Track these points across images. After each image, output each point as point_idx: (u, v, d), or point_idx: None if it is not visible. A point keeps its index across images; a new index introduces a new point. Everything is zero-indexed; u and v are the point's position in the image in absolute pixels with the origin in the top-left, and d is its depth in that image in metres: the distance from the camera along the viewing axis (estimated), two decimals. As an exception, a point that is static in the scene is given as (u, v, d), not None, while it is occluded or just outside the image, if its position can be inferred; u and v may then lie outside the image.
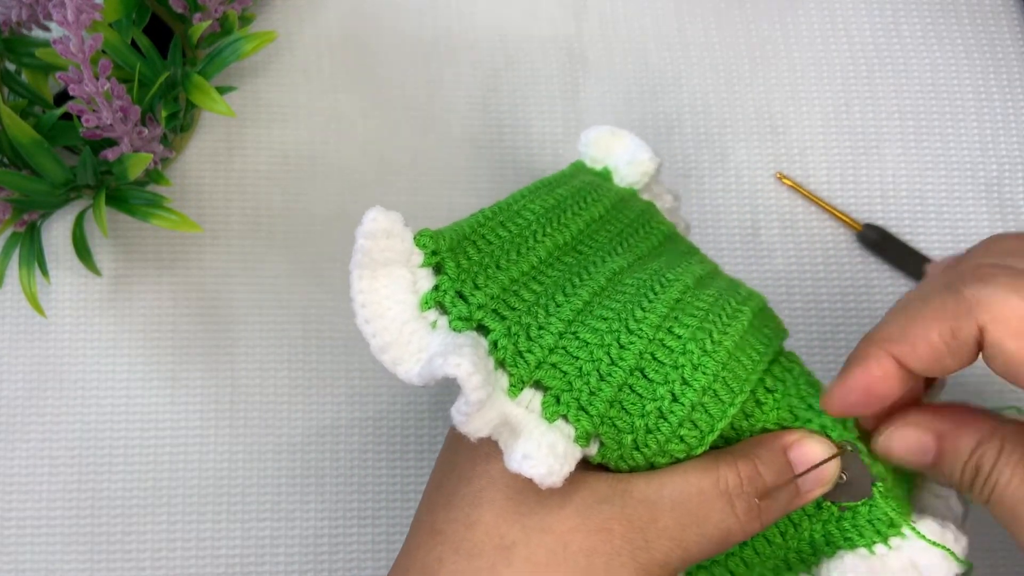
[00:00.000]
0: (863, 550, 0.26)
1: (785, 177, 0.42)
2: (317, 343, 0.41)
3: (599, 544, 0.24)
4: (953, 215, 0.43)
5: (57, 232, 0.41)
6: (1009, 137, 0.43)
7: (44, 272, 0.37)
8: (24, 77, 0.38)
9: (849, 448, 0.26)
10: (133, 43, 0.37)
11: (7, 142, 0.34)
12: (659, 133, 0.43)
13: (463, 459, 0.26)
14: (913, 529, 0.26)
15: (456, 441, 0.27)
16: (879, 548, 0.26)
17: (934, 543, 0.26)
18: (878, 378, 0.24)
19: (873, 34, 0.44)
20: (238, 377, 0.40)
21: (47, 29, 0.38)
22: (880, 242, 0.41)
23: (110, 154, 0.35)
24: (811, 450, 0.26)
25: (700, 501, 0.24)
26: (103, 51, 0.35)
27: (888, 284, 0.42)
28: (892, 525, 0.26)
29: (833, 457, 0.26)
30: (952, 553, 0.26)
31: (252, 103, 0.42)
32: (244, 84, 0.42)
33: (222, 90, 0.37)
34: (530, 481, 0.23)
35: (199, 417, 0.40)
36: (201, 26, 0.37)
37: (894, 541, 0.27)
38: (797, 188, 0.42)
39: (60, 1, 0.31)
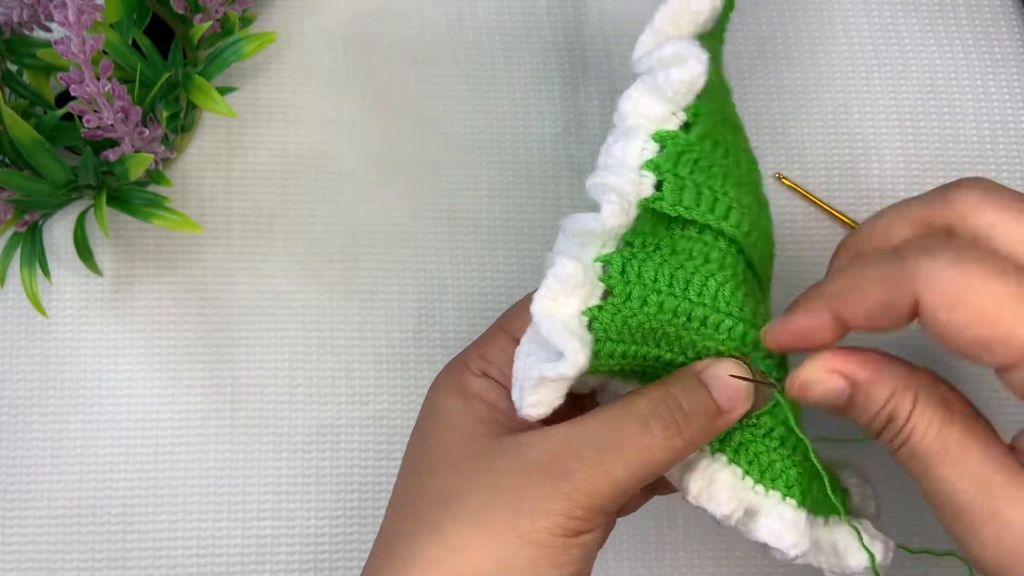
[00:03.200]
0: (793, 500, 0.28)
1: (784, 178, 0.43)
2: (317, 343, 0.41)
3: (525, 482, 0.26)
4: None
5: (58, 232, 0.41)
6: (1008, 138, 0.43)
7: (45, 272, 0.37)
8: (25, 78, 0.39)
9: (748, 362, 0.27)
10: (134, 44, 0.37)
11: (8, 142, 0.34)
12: (659, 133, 0.43)
13: (420, 444, 0.29)
14: (849, 522, 0.28)
15: (416, 433, 0.30)
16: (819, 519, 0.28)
17: (864, 545, 0.27)
18: (815, 327, 0.26)
19: (872, 35, 0.44)
20: (238, 377, 0.40)
21: (48, 30, 0.38)
22: (879, 242, 0.42)
23: (111, 154, 0.35)
24: (720, 368, 0.27)
25: (616, 428, 0.26)
26: (104, 52, 0.35)
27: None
28: (794, 437, 0.28)
29: (757, 382, 0.28)
30: (874, 563, 0.27)
31: (253, 103, 0.42)
32: (245, 85, 0.42)
33: (223, 90, 0.37)
34: (475, 451, 0.27)
35: (199, 417, 0.40)
36: (202, 27, 0.37)
37: (832, 518, 0.28)
38: (796, 188, 0.42)
39: (61, 2, 0.31)
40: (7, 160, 0.36)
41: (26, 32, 0.38)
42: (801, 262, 0.42)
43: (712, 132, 0.27)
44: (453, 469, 0.27)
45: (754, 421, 0.28)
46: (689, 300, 0.27)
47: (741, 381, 0.27)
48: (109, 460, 0.40)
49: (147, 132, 0.36)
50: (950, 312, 0.23)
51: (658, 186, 0.27)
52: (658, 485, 0.30)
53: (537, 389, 0.26)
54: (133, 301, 0.41)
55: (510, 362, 0.28)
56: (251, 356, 0.40)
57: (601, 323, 0.26)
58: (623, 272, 0.27)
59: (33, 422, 0.40)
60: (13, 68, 0.38)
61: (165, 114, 0.36)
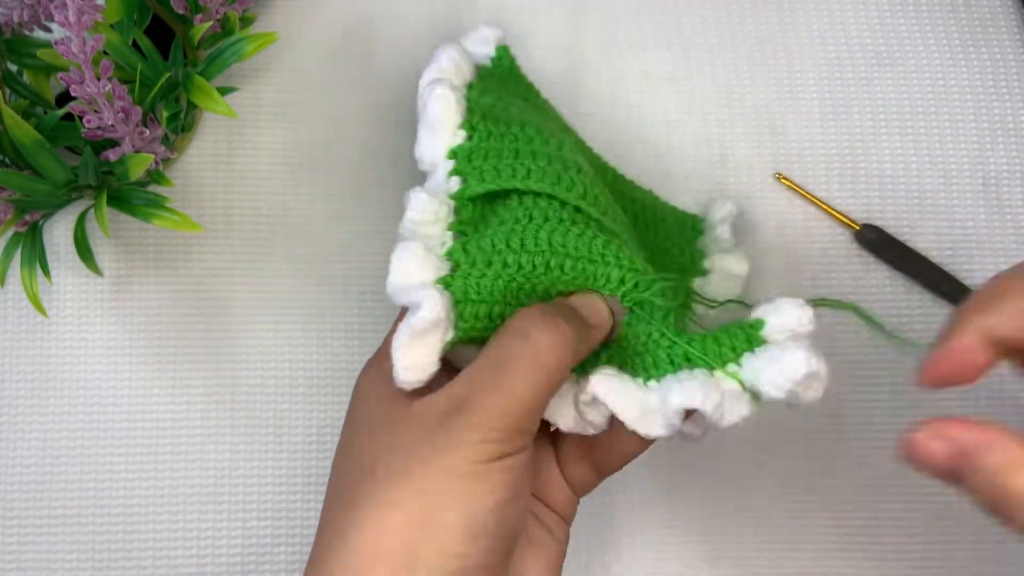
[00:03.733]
0: (700, 371, 0.30)
1: (784, 177, 0.43)
2: (317, 343, 0.41)
3: (437, 427, 0.27)
4: (951, 216, 0.43)
5: (59, 232, 0.41)
6: (1007, 138, 0.43)
7: (46, 272, 0.37)
8: (26, 78, 0.39)
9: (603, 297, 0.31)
10: (134, 44, 0.37)
11: (9, 143, 0.34)
12: (658, 134, 0.43)
13: (346, 425, 0.31)
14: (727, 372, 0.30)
15: (346, 418, 0.31)
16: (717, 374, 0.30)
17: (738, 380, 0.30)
18: (968, 347, 0.26)
19: (872, 35, 0.44)
20: (238, 377, 0.40)
21: (48, 30, 0.38)
22: (878, 242, 0.42)
23: (111, 154, 0.35)
24: (580, 296, 0.31)
25: (500, 349, 0.28)
26: (104, 52, 0.35)
27: (886, 284, 0.42)
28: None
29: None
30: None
31: (253, 104, 0.42)
32: (245, 85, 0.43)
33: (223, 91, 0.37)
34: (393, 417, 0.28)
35: (200, 416, 0.40)
36: (202, 27, 0.37)
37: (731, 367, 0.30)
38: (796, 188, 0.42)
39: (62, 2, 0.31)
40: (7, 160, 0.36)
41: (26, 32, 0.38)
42: (801, 262, 0.42)
43: (492, 132, 0.34)
44: (373, 436, 0.28)
45: (621, 346, 0.31)
46: (527, 251, 0.31)
47: (600, 302, 0.31)
48: (109, 460, 0.40)
49: (147, 132, 0.36)
50: None
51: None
52: (604, 461, 0.32)
53: (407, 350, 0.28)
54: (133, 301, 0.41)
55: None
56: (251, 356, 0.41)
57: (456, 287, 0.30)
58: (464, 249, 0.31)
59: (33, 421, 0.40)
60: (13, 68, 0.38)
61: (165, 114, 0.36)
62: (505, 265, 0.31)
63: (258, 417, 0.40)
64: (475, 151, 0.34)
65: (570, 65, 0.44)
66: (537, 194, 0.32)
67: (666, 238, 0.40)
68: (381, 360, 0.30)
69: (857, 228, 0.42)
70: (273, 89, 0.43)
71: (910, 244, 0.42)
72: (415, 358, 0.28)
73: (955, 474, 0.25)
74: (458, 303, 0.30)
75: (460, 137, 0.34)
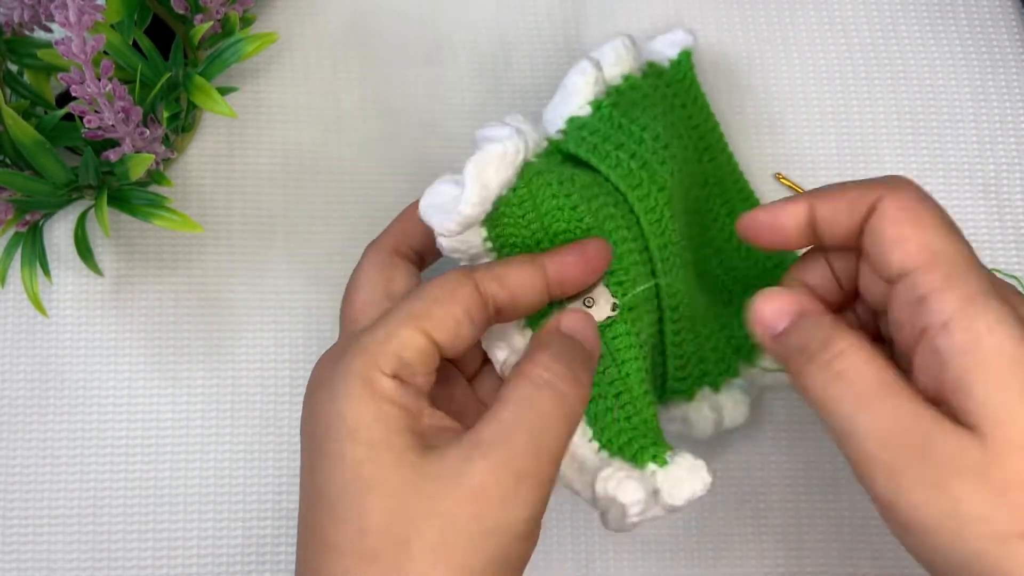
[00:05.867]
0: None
1: (784, 178, 0.43)
2: (318, 343, 0.41)
3: (480, 505, 0.26)
4: (951, 215, 0.43)
5: (59, 232, 0.41)
6: (1007, 138, 0.43)
7: (46, 272, 0.37)
8: (26, 78, 0.39)
9: (589, 305, 0.32)
10: (135, 44, 0.37)
11: (9, 143, 0.34)
12: (658, 134, 0.43)
13: (331, 469, 0.27)
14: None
15: (317, 455, 0.27)
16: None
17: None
18: (790, 214, 0.29)
19: (871, 35, 0.44)
20: (239, 377, 0.40)
21: (49, 30, 0.38)
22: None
23: (112, 155, 0.35)
24: (573, 317, 0.30)
25: (533, 405, 0.27)
26: (105, 52, 0.35)
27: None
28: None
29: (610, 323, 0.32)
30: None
31: (253, 104, 0.43)
32: (245, 85, 0.43)
33: (223, 91, 0.37)
34: (409, 475, 0.26)
35: (200, 416, 0.40)
36: (202, 27, 0.37)
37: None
38: (796, 189, 0.42)
39: (62, 2, 0.32)
40: (8, 160, 0.36)
41: (27, 32, 0.38)
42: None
43: (613, 118, 0.35)
44: (390, 499, 0.26)
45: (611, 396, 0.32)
46: (576, 209, 0.32)
47: (587, 322, 0.30)
48: (109, 460, 0.40)
49: (148, 132, 0.36)
50: (898, 209, 0.27)
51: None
52: None
53: (475, 184, 0.29)
54: (133, 301, 0.41)
55: (428, 363, 0.28)
56: (251, 356, 0.41)
57: (513, 197, 0.31)
58: (531, 174, 0.31)
59: (33, 422, 0.40)
60: (14, 68, 0.39)
61: (166, 114, 0.36)
62: (556, 203, 0.31)
63: (258, 417, 0.40)
64: (588, 124, 0.35)
65: (570, 64, 0.44)
66: (613, 187, 0.34)
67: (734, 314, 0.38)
68: (370, 375, 0.27)
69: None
70: (273, 89, 0.43)
71: (910, 244, 0.42)
72: (478, 198, 0.29)
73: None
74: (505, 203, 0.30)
75: (585, 111, 0.35)
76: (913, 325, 0.27)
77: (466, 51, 0.44)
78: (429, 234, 0.31)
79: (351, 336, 0.30)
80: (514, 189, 0.31)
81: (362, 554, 0.26)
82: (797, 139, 0.43)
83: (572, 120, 0.35)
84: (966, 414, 0.25)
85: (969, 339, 0.25)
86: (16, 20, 0.37)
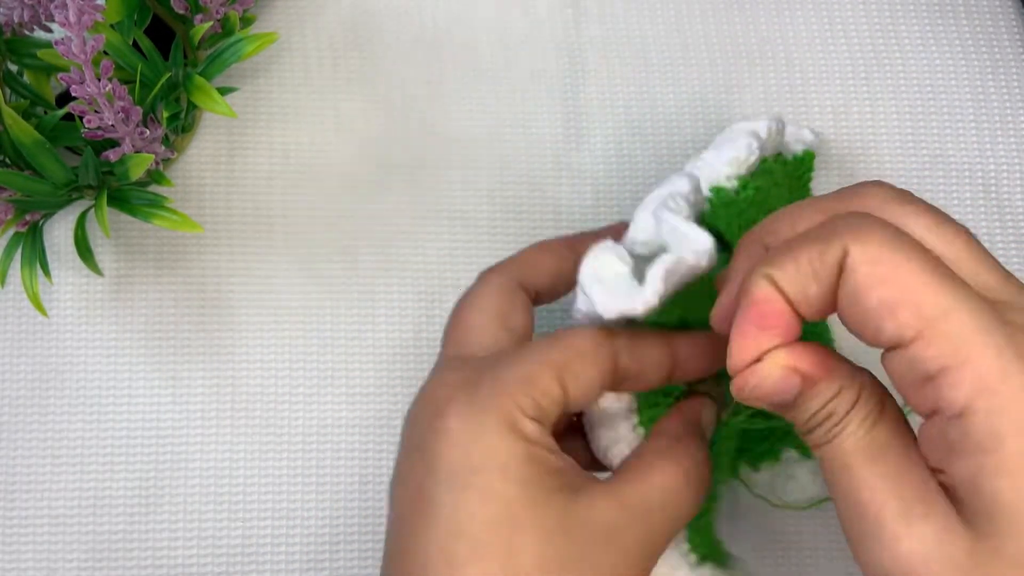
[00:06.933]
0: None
1: None
2: (317, 343, 0.41)
3: (621, 560, 0.26)
4: (951, 215, 0.43)
5: (59, 232, 0.41)
6: (1007, 138, 0.43)
7: (46, 272, 0.37)
8: (26, 78, 0.39)
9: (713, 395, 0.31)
10: (135, 44, 0.37)
11: (9, 143, 0.34)
12: (658, 134, 0.43)
13: (478, 503, 0.25)
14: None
15: (455, 487, 0.26)
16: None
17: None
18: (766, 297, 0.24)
19: (871, 35, 0.44)
20: (239, 377, 0.40)
21: (49, 30, 0.38)
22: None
23: (112, 155, 0.35)
24: (711, 412, 0.31)
25: (677, 495, 0.27)
26: (105, 52, 0.35)
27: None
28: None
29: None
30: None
31: (253, 104, 0.43)
32: (245, 85, 0.43)
33: (223, 91, 0.37)
34: (561, 518, 0.25)
35: (200, 416, 0.40)
36: (202, 27, 0.37)
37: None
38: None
39: (62, 2, 0.32)
40: (8, 160, 0.36)
41: (27, 32, 0.38)
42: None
43: (754, 201, 0.33)
44: (543, 540, 0.25)
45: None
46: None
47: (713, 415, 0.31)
48: (109, 460, 0.40)
49: (148, 132, 0.36)
50: (873, 266, 0.22)
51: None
52: None
53: (659, 283, 0.27)
54: (134, 301, 0.41)
55: (558, 414, 0.27)
56: (251, 356, 0.41)
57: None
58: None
59: (33, 422, 0.40)
60: (14, 68, 0.39)
61: (165, 114, 0.36)
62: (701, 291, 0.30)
63: (258, 417, 0.40)
64: (735, 204, 0.33)
65: (570, 65, 0.44)
66: None
67: None
68: (513, 415, 0.26)
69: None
70: (273, 89, 0.43)
71: (910, 244, 0.42)
72: (656, 300, 0.27)
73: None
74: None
75: (732, 184, 0.33)
76: (922, 399, 0.23)
77: (466, 51, 0.44)
78: (553, 275, 0.31)
79: (469, 361, 0.29)
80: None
81: None
82: (797, 139, 0.43)
83: (719, 192, 0.33)
84: (976, 514, 0.22)
85: (989, 439, 0.21)
86: (16, 20, 0.37)
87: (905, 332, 0.22)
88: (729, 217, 0.32)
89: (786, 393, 0.24)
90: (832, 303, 0.24)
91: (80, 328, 0.40)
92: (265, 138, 0.42)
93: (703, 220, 0.32)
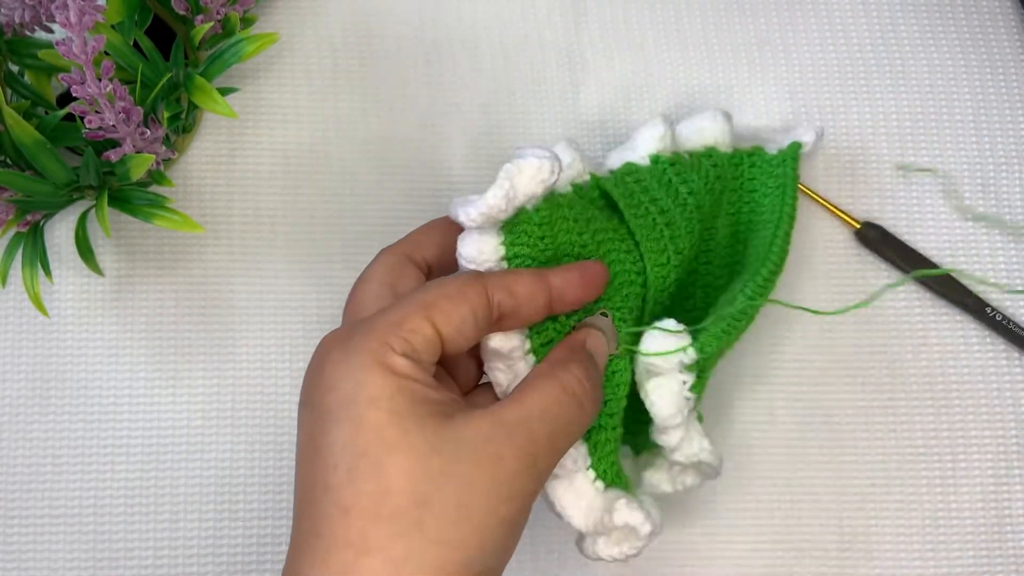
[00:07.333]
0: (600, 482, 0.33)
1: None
2: (318, 343, 0.41)
3: (497, 472, 0.27)
4: (951, 215, 0.43)
5: (60, 232, 0.41)
6: (1006, 138, 0.43)
7: (47, 272, 0.37)
8: (27, 78, 0.39)
9: (607, 315, 0.33)
10: (135, 45, 0.37)
11: (10, 143, 0.35)
12: (658, 134, 0.43)
13: (351, 433, 0.27)
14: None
15: (329, 421, 0.28)
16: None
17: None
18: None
19: (871, 35, 0.44)
20: (239, 377, 0.40)
21: (50, 31, 0.38)
22: (878, 240, 0.42)
23: (113, 155, 0.35)
24: (598, 339, 0.32)
25: (558, 408, 0.29)
26: (105, 52, 0.35)
27: (885, 282, 0.42)
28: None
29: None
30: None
31: (254, 104, 0.43)
32: (246, 85, 0.43)
33: (224, 91, 0.37)
34: (432, 439, 0.27)
35: (200, 416, 0.40)
36: (203, 28, 0.37)
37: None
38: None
39: (63, 3, 0.32)
40: (9, 160, 0.36)
41: (28, 33, 0.38)
42: (801, 259, 0.42)
43: (666, 178, 0.37)
44: (414, 460, 0.26)
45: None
46: (586, 236, 0.33)
47: (604, 343, 0.32)
48: (109, 460, 0.40)
49: (148, 133, 0.36)
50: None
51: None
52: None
53: (518, 180, 0.30)
54: (134, 301, 0.41)
55: (432, 353, 0.28)
56: (251, 356, 0.41)
57: (534, 215, 0.32)
58: (553, 205, 0.33)
59: (34, 421, 0.40)
60: (15, 69, 0.39)
61: (166, 115, 0.36)
62: (570, 238, 0.33)
63: (258, 417, 0.40)
64: (637, 172, 0.37)
65: (570, 65, 0.44)
66: (630, 235, 0.35)
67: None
68: (384, 353, 0.28)
69: (857, 226, 0.42)
70: (273, 89, 0.43)
71: (909, 242, 0.42)
72: (504, 192, 0.30)
73: None
74: (527, 221, 0.32)
75: (644, 161, 0.37)
76: None
77: (466, 51, 0.44)
78: (443, 248, 0.33)
79: (355, 322, 0.30)
80: (537, 209, 0.32)
81: (380, 514, 0.26)
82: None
83: (627, 165, 0.37)
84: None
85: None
86: (17, 20, 0.37)
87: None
88: (628, 180, 0.36)
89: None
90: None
91: (81, 328, 0.41)
92: (265, 138, 0.42)
93: (597, 183, 0.36)
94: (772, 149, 0.40)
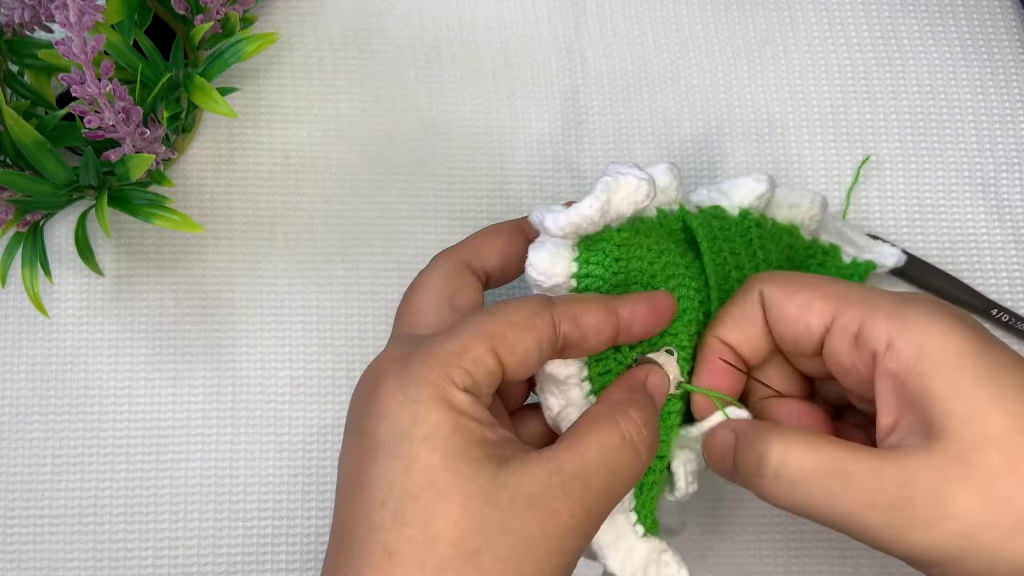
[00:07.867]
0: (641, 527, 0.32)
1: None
2: (318, 343, 0.41)
3: (551, 527, 0.26)
4: (951, 216, 0.43)
5: (60, 232, 0.41)
6: (1007, 138, 0.43)
7: (47, 272, 0.37)
8: (27, 78, 0.39)
9: (673, 354, 0.32)
10: (135, 44, 0.37)
11: (10, 143, 0.35)
12: (657, 134, 0.43)
13: (402, 472, 0.26)
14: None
15: (381, 456, 0.26)
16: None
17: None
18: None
19: (871, 35, 0.44)
20: (239, 377, 0.40)
21: (49, 31, 0.38)
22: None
23: (112, 155, 0.35)
24: (659, 378, 0.31)
25: (616, 457, 0.28)
26: (105, 52, 0.35)
27: (885, 286, 0.42)
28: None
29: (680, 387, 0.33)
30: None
31: (253, 104, 0.43)
32: (246, 85, 0.43)
33: (224, 91, 0.37)
34: (486, 487, 0.25)
35: (200, 416, 0.40)
36: (203, 27, 0.37)
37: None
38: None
39: (62, 3, 0.32)
40: (8, 160, 0.36)
41: (27, 33, 0.38)
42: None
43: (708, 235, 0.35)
44: (465, 509, 0.25)
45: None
46: (655, 266, 0.32)
47: (665, 383, 0.31)
48: (109, 460, 0.40)
49: (148, 132, 0.36)
50: (781, 287, 0.31)
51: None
52: None
53: (586, 211, 0.29)
54: (134, 301, 0.41)
55: (493, 384, 0.27)
56: (251, 356, 0.41)
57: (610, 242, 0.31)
58: (635, 230, 0.32)
59: (34, 421, 0.40)
60: (14, 68, 0.39)
61: (166, 115, 0.36)
62: (641, 265, 0.32)
63: (258, 417, 0.40)
64: (724, 220, 0.35)
65: (570, 65, 0.44)
66: (702, 277, 0.34)
67: None
68: (445, 388, 0.26)
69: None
70: (273, 89, 0.43)
71: (909, 246, 0.42)
72: (600, 205, 0.29)
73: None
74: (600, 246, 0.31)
75: (734, 210, 0.36)
76: (862, 364, 0.28)
77: (466, 51, 0.44)
78: (505, 257, 0.32)
79: (411, 339, 0.29)
80: (620, 229, 0.31)
81: (425, 563, 0.25)
82: (797, 139, 0.43)
83: (717, 208, 0.35)
84: (933, 424, 0.26)
85: (914, 351, 0.26)
86: (17, 20, 0.37)
87: (819, 321, 0.29)
88: (715, 225, 0.34)
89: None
90: (770, 339, 0.31)
91: (81, 328, 0.41)
92: (265, 138, 0.42)
93: (684, 215, 0.34)
94: (849, 254, 0.38)
